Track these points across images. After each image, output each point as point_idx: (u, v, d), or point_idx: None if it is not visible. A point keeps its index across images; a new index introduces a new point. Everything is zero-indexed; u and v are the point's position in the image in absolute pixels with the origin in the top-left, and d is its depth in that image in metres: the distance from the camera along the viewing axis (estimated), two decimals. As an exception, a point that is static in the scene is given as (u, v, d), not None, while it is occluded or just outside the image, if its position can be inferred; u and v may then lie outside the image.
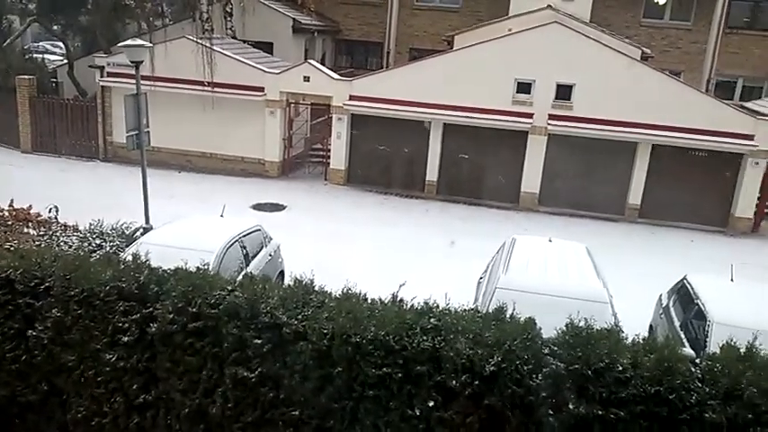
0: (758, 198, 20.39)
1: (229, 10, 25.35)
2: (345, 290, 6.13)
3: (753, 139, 19.62)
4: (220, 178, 22.14)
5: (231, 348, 5.74)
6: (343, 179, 22.49)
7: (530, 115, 20.60)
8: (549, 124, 20.52)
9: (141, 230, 11.45)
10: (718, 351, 5.53)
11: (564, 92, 20.47)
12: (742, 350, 5.41)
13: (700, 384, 5.05)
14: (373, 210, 20.09)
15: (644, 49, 24.30)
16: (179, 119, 22.42)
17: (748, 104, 25.00)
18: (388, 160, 22.23)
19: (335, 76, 22.39)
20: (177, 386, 5.98)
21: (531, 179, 21.24)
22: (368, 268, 13.21)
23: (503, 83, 20.57)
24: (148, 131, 13.55)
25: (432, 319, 5.55)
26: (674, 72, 25.31)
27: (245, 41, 25.49)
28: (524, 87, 20.65)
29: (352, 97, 21.59)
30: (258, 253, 11.64)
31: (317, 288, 6.23)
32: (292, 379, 5.56)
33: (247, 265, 10.75)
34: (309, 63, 22.65)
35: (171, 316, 5.89)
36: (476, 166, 21.58)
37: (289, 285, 6.29)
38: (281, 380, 5.62)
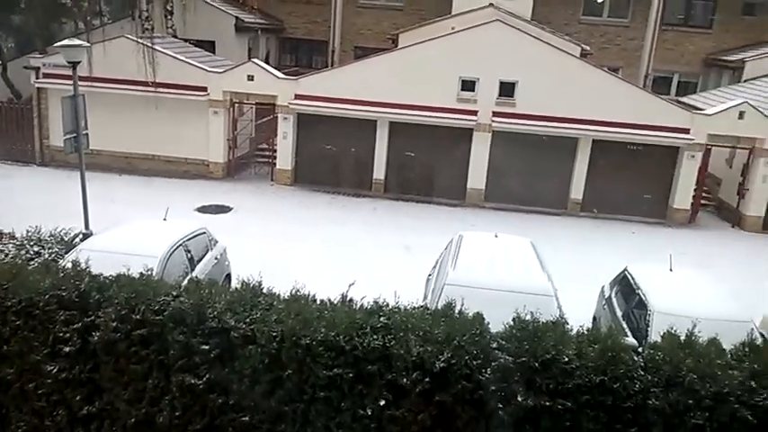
0: (694, 190, 21.11)
1: (170, 8, 24.89)
2: (294, 291, 6.08)
3: (689, 133, 20.30)
4: (164, 180, 21.67)
5: (177, 355, 5.63)
6: (290, 179, 22.32)
7: (474, 113, 20.85)
8: (493, 121, 20.80)
9: (81, 236, 11.10)
10: (659, 340, 5.69)
11: (507, 89, 20.79)
12: (682, 338, 5.58)
13: (642, 372, 5.19)
14: (321, 210, 20.01)
15: (583, 46, 24.88)
16: (119, 120, 21.85)
17: (684, 99, 25.89)
18: (335, 160, 22.16)
19: (280, 75, 22.20)
20: (122, 396, 5.83)
21: (477, 176, 21.50)
22: (317, 269, 13.17)
23: (447, 81, 20.76)
24: (87, 134, 13.16)
25: (381, 318, 5.56)
26: (612, 68, 26.01)
27: (186, 40, 25.02)
28: (469, 85, 20.89)
29: (297, 96, 21.44)
30: (203, 257, 11.45)
31: (265, 290, 6.16)
32: (241, 384, 5.49)
33: (192, 270, 10.55)
34: (253, 62, 22.37)
35: (114, 324, 5.73)
36: (423, 164, 21.71)
37: (236, 289, 6.20)
38: (230, 385, 5.54)
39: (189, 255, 10.84)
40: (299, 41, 31.91)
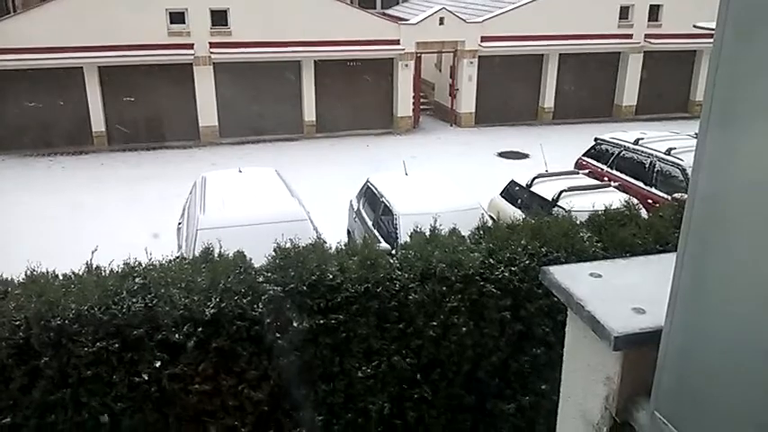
0: (413, 97, 22.77)
1: None
2: (30, 272, 5.42)
3: (399, 44, 21.60)
4: None
5: None
6: None
7: (189, 46, 19.90)
8: (211, 53, 20.09)
9: None
10: (408, 239, 6.15)
11: (220, 17, 20.13)
12: (427, 233, 6.09)
13: (400, 272, 5.58)
14: (39, 176, 17.93)
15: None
16: None
17: (390, 11, 27.34)
18: (44, 117, 19.79)
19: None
20: None
21: (208, 112, 20.82)
22: (50, 243, 11.93)
23: (154, 14, 19.44)
24: None
25: (137, 279, 5.21)
26: (319, -12, 26.39)
27: None
28: (178, 17, 19.81)
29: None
30: None
31: (-7, 278, 5.41)
32: (-9, 386, 4.86)
33: None
34: None
35: None
36: (147, 108, 20.39)
37: (-44, 284, 5.36)
38: (-23, 391, 4.88)
39: None
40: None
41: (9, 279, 5.42)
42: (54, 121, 19.83)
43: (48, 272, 5.42)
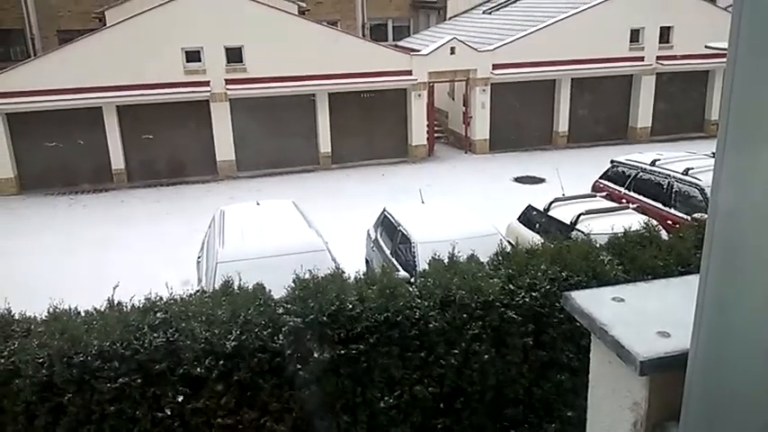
0: (427, 126, 22.89)
1: None
2: (52, 309, 5.47)
3: (411, 74, 21.79)
4: None
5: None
6: (16, 187, 19.93)
7: (206, 83, 20.22)
8: (227, 90, 20.39)
9: None
10: (427, 267, 6.13)
11: (235, 55, 20.45)
12: (446, 261, 6.08)
13: (419, 300, 5.56)
14: (60, 215, 18.17)
15: (299, 3, 25.26)
16: None
17: (401, 43, 27.66)
18: (64, 157, 20.12)
19: (-26, 73, 19.41)
20: None
21: (225, 147, 21.06)
22: (71, 280, 12.04)
23: (170, 53, 19.79)
24: None
25: (158, 314, 5.25)
26: (331, 22, 26.84)
27: None
28: (194, 56, 20.16)
29: (1, 95, 18.95)
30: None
31: (17, 316, 5.46)
32: (17, 423, 4.88)
33: None
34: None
35: None
36: (165, 145, 20.67)
37: (-20, 322, 5.42)
38: (4, 428, 4.90)
39: None
40: (-12, 32, 28.09)
41: (32, 317, 5.48)
42: (74, 160, 20.16)
43: (70, 309, 5.48)
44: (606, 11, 22.79)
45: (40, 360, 4.89)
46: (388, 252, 11.10)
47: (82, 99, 19.26)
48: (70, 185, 20.09)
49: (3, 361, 4.90)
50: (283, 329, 5.23)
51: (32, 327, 5.29)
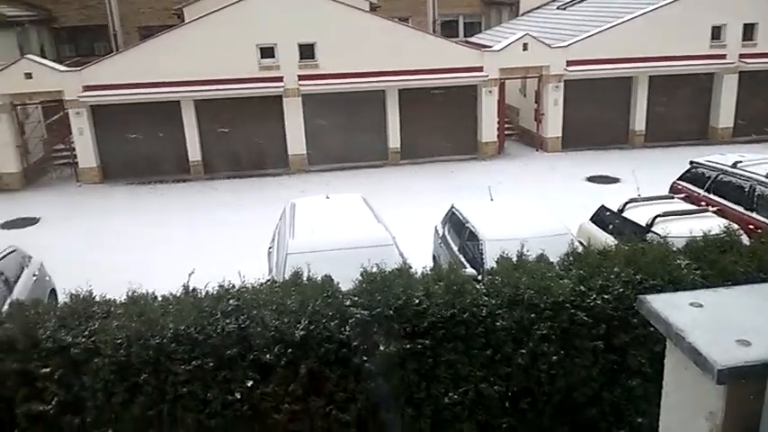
0: (497, 123, 22.62)
1: None
2: (131, 293, 5.71)
3: (482, 71, 21.58)
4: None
5: (16, 385, 5.11)
6: (99, 177, 20.82)
7: (279, 79, 20.60)
8: (300, 85, 20.72)
9: None
10: (494, 265, 6.08)
11: (307, 51, 20.75)
12: (514, 259, 6.01)
13: (486, 298, 5.52)
14: (141, 203, 18.92)
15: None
16: None
17: (472, 39, 27.44)
18: (144, 148, 20.93)
19: (61, 67, 20.41)
20: (-42, 444, 5.22)
21: (297, 141, 21.41)
22: (149, 264, 12.52)
23: (245, 50, 20.27)
24: None
25: (231, 301, 5.40)
26: (402, 18, 26.87)
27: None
28: (268, 52, 20.56)
29: (86, 88, 19.86)
30: (20, 276, 10.41)
31: (98, 299, 5.72)
32: (96, 399, 5.12)
33: (11, 293, 9.58)
34: (28, 58, 20.32)
35: (-69, 370, 5.07)
36: (239, 139, 21.20)
37: (65, 302, 5.70)
38: (84, 403, 5.15)
39: (2, 277, 9.82)
40: (75, 30, 29.45)
41: (112, 300, 5.72)
42: (153, 151, 20.93)
43: (148, 293, 5.70)
44: (686, 7, 21.97)
45: (119, 341, 5.11)
46: (455, 249, 11.05)
47: (161, 93, 19.97)
48: (149, 176, 20.87)
49: (84, 340, 5.15)
50: (350, 321, 5.29)
51: (112, 309, 5.53)
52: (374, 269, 5.84)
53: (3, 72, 19.59)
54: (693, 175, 14.04)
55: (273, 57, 20.58)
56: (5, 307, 5.97)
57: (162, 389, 5.14)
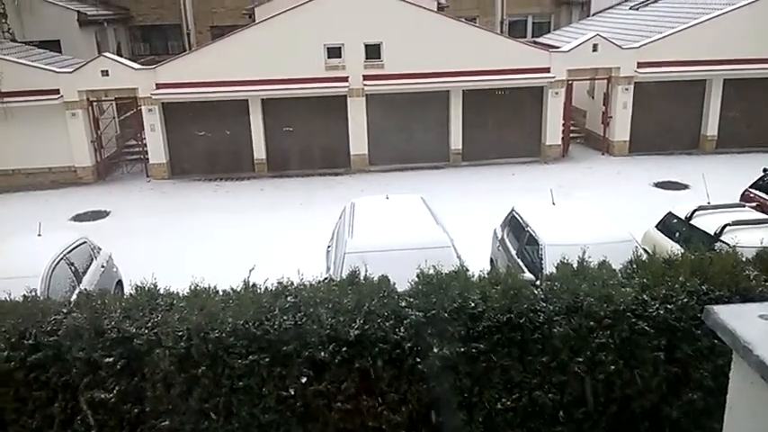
0: (563, 125, 22.20)
1: (1, 10, 23.01)
2: (194, 287, 5.87)
3: (549, 72, 21.22)
4: (28, 195, 20.22)
5: (81, 373, 5.33)
6: (167, 172, 21.48)
7: (344, 79, 20.78)
8: (364, 85, 20.84)
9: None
10: (554, 271, 5.97)
11: (373, 51, 20.84)
12: (575, 265, 5.89)
13: (544, 304, 5.43)
14: (206, 199, 19.43)
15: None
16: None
17: (540, 39, 27.01)
18: (211, 145, 21.49)
19: (136, 65, 21.14)
20: (30, 425, 5.47)
21: (359, 141, 21.55)
22: (213, 260, 12.82)
23: (313, 50, 20.52)
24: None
25: (289, 298, 5.49)
26: (469, 18, 26.69)
27: (27, 43, 23.23)
28: (335, 52, 20.76)
29: (159, 86, 20.52)
30: (89, 267, 10.86)
31: (162, 291, 5.91)
32: (155, 389, 5.29)
33: (80, 282, 9.99)
34: (105, 56, 21.14)
35: (5, 353, 5.33)
36: (303, 137, 21.50)
37: (130, 294, 5.91)
38: (144, 393, 5.32)
39: (73, 267, 10.24)
40: (150, 28, 30.51)
41: (175, 292, 5.90)
42: (220, 148, 21.45)
43: (209, 287, 5.84)
44: (762, 9, 21.02)
45: (180, 333, 5.26)
46: (513, 252, 10.90)
47: (231, 92, 20.45)
48: (214, 173, 21.40)
49: (147, 331, 5.32)
50: (405, 322, 5.30)
51: (175, 302, 5.70)
52: (431, 271, 5.83)
53: (81, 69, 20.46)
54: (766, 182, 13.45)
55: (340, 57, 20.78)
56: (74, 296, 6.23)
57: (219, 381, 5.27)
